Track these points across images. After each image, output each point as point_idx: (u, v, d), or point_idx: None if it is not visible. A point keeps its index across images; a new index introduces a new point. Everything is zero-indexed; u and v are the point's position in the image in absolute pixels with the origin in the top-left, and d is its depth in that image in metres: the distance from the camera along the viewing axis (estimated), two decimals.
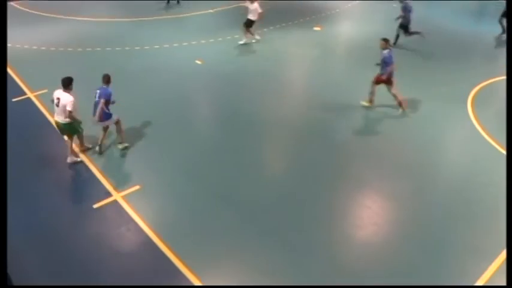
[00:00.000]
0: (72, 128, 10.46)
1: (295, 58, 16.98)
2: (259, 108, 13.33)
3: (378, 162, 10.90)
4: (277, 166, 10.99)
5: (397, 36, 17.57)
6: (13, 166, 10.28)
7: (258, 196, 9.67)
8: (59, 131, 10.68)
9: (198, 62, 16.16)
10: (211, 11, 21.87)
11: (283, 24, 20.28)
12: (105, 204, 9.38)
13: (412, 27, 17.38)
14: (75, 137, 10.78)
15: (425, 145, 11.64)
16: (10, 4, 22.27)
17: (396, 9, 18.45)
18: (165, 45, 17.82)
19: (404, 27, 17.27)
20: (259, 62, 16.31)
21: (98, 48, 17.63)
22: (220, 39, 18.50)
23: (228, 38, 18.63)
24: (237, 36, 18.59)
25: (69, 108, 10.04)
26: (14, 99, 13.37)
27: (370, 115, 13.20)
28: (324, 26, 20.28)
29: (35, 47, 17.69)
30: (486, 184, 10.28)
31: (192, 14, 21.32)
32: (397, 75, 12.94)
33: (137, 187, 9.98)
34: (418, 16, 18.33)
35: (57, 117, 10.39)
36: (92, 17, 21.02)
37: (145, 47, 17.69)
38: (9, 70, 15.31)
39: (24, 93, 13.82)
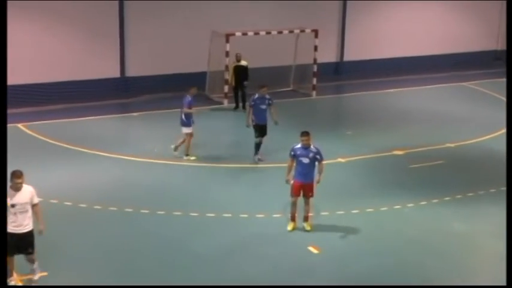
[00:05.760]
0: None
1: (473, 256, 14.54)
2: None
3: None
4: None
5: None
6: None
7: None
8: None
9: (311, 249, 14.17)
10: (341, 160, 19.89)
11: (469, 194, 17.41)
12: None
13: None
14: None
15: None
16: (22, 129, 21.88)
17: None
18: (259, 215, 15.68)
19: None
20: (419, 259, 13.80)
21: (145, 211, 15.75)
22: (355, 211, 16.06)
23: (369, 210, 16.18)
24: (370, 209, 16.04)
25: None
26: None
27: None
28: None
29: (54, 201, 15.88)
30: None
31: None
32: None
33: None
34: None
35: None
36: (143, 155, 19.70)
37: (225, 215, 15.69)
38: None
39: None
